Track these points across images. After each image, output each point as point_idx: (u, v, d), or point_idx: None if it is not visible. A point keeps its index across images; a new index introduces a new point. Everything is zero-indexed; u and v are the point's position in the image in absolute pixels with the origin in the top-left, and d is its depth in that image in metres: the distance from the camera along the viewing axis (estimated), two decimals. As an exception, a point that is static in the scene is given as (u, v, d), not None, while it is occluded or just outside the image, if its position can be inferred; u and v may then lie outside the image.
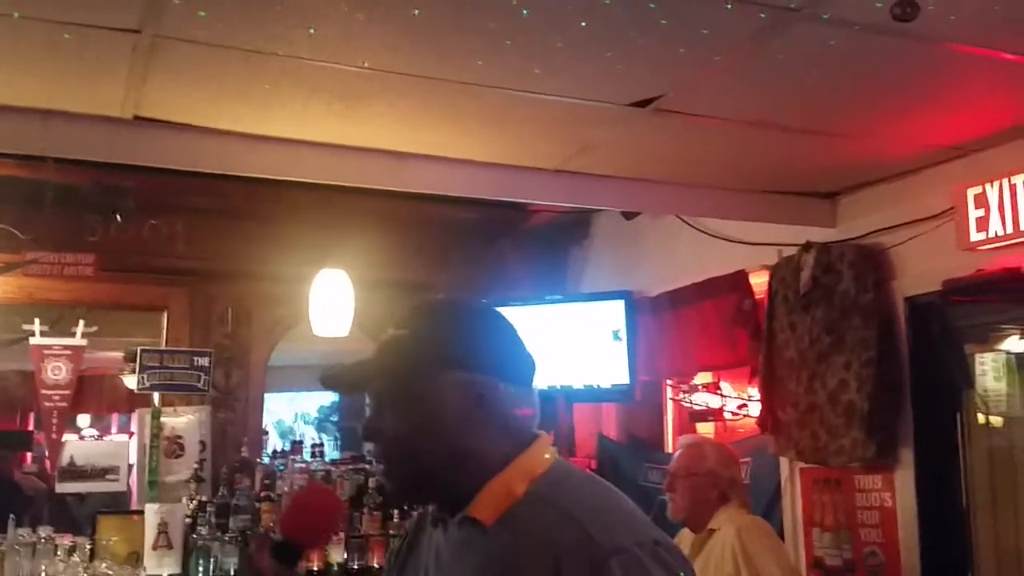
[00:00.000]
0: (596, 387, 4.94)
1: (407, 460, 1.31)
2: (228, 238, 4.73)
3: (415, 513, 1.48)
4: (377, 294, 4.66)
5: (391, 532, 4.54)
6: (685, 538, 3.50)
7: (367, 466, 4.85)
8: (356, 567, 4.41)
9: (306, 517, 1.39)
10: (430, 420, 1.29)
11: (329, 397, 6.42)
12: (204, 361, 4.50)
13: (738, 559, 3.25)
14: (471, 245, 4.95)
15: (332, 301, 4.40)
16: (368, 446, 1.41)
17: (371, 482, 4.74)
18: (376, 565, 4.49)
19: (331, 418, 6.36)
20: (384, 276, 4.77)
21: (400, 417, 1.31)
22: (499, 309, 1.41)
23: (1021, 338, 3.52)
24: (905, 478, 3.63)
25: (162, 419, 4.50)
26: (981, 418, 3.54)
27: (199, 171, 3.30)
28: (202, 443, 4.49)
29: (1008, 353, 3.46)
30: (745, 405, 4.46)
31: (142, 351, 4.48)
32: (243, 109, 2.83)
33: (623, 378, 4.84)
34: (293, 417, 6.08)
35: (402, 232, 4.89)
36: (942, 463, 3.60)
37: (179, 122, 2.96)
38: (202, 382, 4.49)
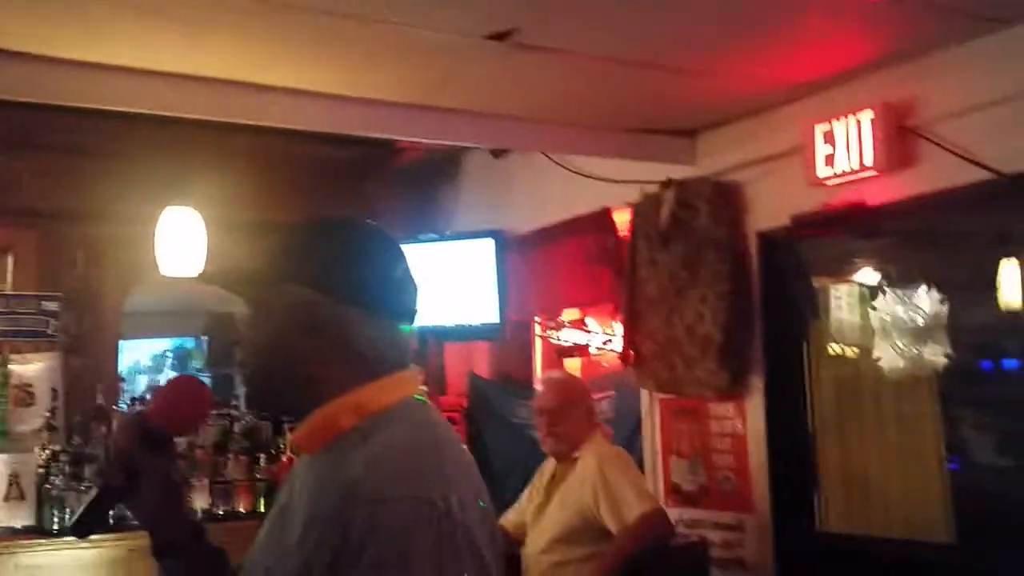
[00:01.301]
0: (467, 326, 4.96)
1: (257, 369, 1.29)
2: (78, 176, 4.49)
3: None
4: (236, 234, 4.51)
5: (257, 477, 4.49)
6: (548, 466, 3.59)
7: (232, 411, 4.77)
8: (221, 512, 4.35)
9: (172, 403, 1.35)
10: (276, 334, 1.26)
11: (190, 341, 6.26)
12: (52, 306, 4.29)
13: (597, 487, 3.36)
14: (338, 184, 4.84)
15: (181, 240, 4.23)
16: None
17: (236, 427, 4.68)
18: (242, 510, 4.44)
19: (194, 364, 6.21)
20: (247, 217, 4.61)
21: (253, 325, 1.29)
22: (366, 231, 1.33)
23: (870, 271, 3.67)
24: (756, 406, 3.79)
25: (9, 367, 4.29)
26: (834, 348, 3.70)
27: (38, 102, 3.10)
28: (54, 391, 4.31)
29: (861, 286, 3.61)
30: (609, 340, 4.55)
31: (-16, 295, 4.25)
32: (71, 33, 2.66)
33: (493, 317, 4.87)
34: (151, 360, 5.90)
35: (265, 171, 4.74)
36: (790, 391, 3.77)
37: (9, 49, 2.77)
38: (51, 328, 4.29)
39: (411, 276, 1.32)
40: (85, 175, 4.50)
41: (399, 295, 1.29)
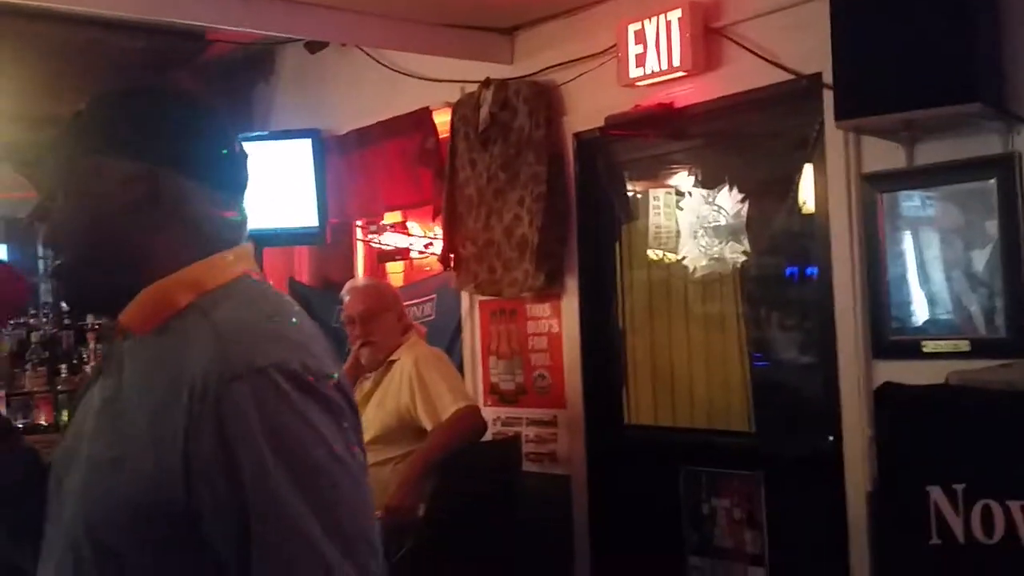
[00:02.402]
0: (286, 230, 4.80)
1: (70, 247, 1.17)
2: None
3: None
4: (30, 130, 4.20)
5: (59, 388, 4.28)
6: (365, 382, 3.57)
7: (30, 320, 4.51)
8: (21, 425, 4.13)
9: None
10: (92, 209, 1.15)
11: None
12: None
13: (414, 386, 3.38)
14: (139, 78, 4.53)
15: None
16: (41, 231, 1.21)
17: (33, 337, 4.43)
18: (44, 423, 4.23)
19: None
20: (37, 111, 4.28)
21: (66, 201, 1.17)
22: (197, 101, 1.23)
23: (679, 175, 3.75)
24: (571, 306, 3.86)
25: None
26: (645, 250, 3.78)
27: None
28: None
29: (677, 192, 3.69)
30: (431, 244, 4.51)
31: None
32: None
33: (313, 220, 4.73)
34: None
35: (57, 60, 4.37)
36: (603, 291, 3.85)
37: None
38: None
39: (242, 147, 1.24)
40: None
41: (235, 167, 1.22)
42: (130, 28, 4.35)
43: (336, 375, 1.12)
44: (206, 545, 1.04)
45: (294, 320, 1.16)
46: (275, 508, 1.01)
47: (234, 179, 1.22)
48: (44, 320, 4.53)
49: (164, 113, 1.20)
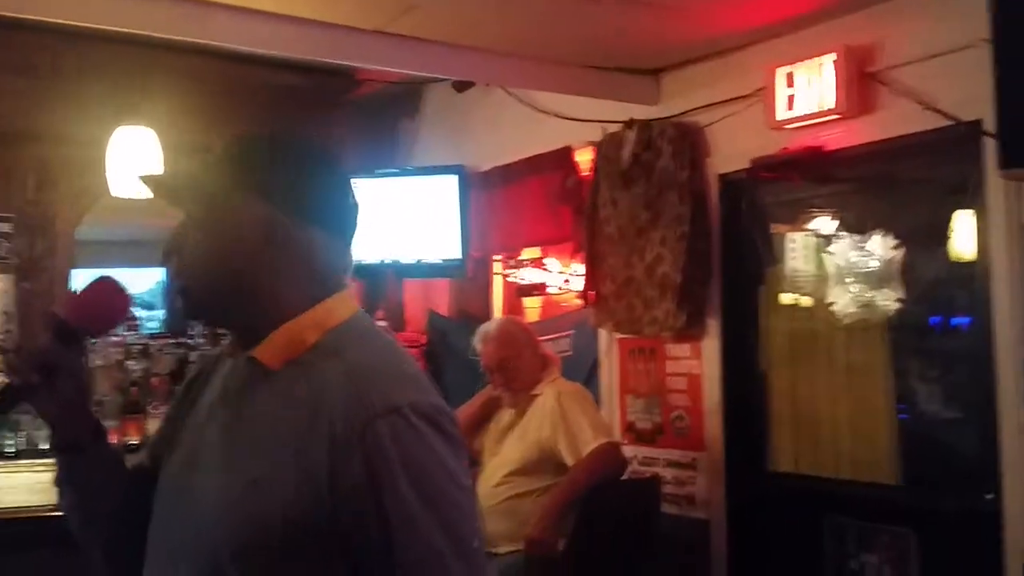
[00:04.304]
0: (427, 262, 4.93)
1: (200, 283, 1.27)
2: (27, 97, 4.34)
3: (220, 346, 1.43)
4: (180, 159, 4.43)
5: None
6: (504, 415, 3.61)
7: (188, 341, 4.74)
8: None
9: (88, 302, 1.34)
10: (225, 248, 1.25)
11: (154, 277, 6.17)
12: (5, 227, 4.21)
13: (556, 421, 3.40)
14: (294, 113, 4.73)
15: (133, 160, 4.14)
16: (169, 265, 1.33)
17: (192, 357, 4.65)
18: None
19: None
20: (198, 141, 4.52)
21: (200, 237, 1.26)
22: (328, 154, 1.35)
23: (827, 219, 3.68)
24: (712, 347, 3.82)
25: (-39, 290, 4.22)
26: (790, 293, 3.73)
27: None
28: (6, 314, 4.25)
29: (817, 235, 3.63)
30: (569, 280, 4.54)
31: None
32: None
33: (454, 253, 4.84)
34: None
35: (218, 94, 4.63)
36: (745, 333, 3.80)
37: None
38: (3, 250, 4.21)
39: (356, 200, 1.34)
40: (35, 96, 4.36)
41: (353, 218, 1.33)
42: (282, 65, 4.56)
43: (450, 411, 1.25)
44: (350, 560, 1.16)
45: (408, 360, 1.29)
46: (411, 527, 1.15)
47: (351, 228, 1.33)
48: (201, 340, 4.76)
49: (302, 164, 1.30)
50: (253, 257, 1.24)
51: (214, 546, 1.18)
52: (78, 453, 1.34)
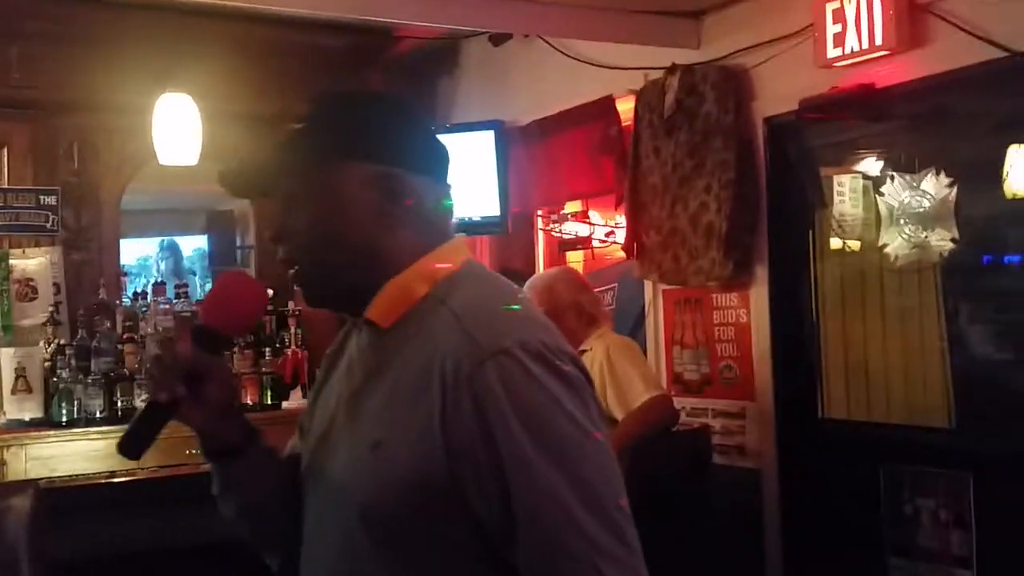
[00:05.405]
0: (468, 219, 4.91)
1: (317, 261, 1.23)
2: (69, 66, 4.36)
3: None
4: (232, 126, 4.43)
5: (264, 370, 4.53)
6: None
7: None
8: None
9: (225, 302, 1.27)
10: (335, 215, 1.21)
11: (196, 243, 6.22)
12: (51, 200, 4.25)
13: (605, 375, 3.37)
14: (334, 75, 4.71)
15: (177, 127, 4.16)
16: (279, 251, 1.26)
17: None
18: (249, 402, 4.50)
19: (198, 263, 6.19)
20: (239, 107, 4.53)
21: (308, 216, 1.21)
22: (409, 103, 1.31)
23: (877, 160, 3.59)
24: (760, 295, 3.77)
25: (11, 261, 4.28)
26: (836, 242, 3.65)
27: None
28: (56, 285, 4.31)
29: (865, 177, 3.54)
30: (612, 232, 4.51)
31: (-18, 190, 4.21)
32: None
33: (495, 210, 4.82)
34: (156, 258, 5.87)
35: (258, 59, 4.62)
36: (794, 280, 3.74)
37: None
38: (51, 222, 4.26)
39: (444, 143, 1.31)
40: (75, 64, 4.37)
41: (446, 160, 1.30)
42: (318, 27, 4.54)
43: (571, 351, 1.18)
44: (473, 517, 1.11)
45: (521, 302, 1.22)
46: (527, 473, 1.08)
47: (443, 168, 1.29)
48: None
49: (391, 116, 1.27)
50: (369, 221, 1.21)
51: (346, 511, 1.17)
52: (235, 457, 1.29)
